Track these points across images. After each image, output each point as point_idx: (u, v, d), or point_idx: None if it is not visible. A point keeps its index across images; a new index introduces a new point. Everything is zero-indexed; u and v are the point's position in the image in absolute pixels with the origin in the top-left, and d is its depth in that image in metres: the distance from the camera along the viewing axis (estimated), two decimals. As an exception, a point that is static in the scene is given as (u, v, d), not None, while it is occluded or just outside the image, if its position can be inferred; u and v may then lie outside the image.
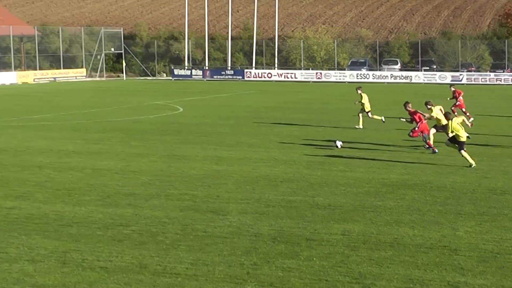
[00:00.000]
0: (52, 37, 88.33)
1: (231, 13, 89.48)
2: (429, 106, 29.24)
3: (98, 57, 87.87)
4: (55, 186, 21.46)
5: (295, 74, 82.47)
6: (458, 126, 25.43)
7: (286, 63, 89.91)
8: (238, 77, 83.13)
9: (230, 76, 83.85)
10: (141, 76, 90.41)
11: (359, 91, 36.47)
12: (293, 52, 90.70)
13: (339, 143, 29.26)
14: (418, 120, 28.75)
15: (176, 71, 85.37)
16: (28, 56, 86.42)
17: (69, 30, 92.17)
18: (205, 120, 39.76)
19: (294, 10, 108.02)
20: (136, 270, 13.65)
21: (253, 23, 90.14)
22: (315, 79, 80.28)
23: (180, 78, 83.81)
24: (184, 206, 18.95)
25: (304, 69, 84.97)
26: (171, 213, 18.07)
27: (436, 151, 27.72)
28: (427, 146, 28.34)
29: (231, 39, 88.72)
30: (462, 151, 25.10)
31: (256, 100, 54.76)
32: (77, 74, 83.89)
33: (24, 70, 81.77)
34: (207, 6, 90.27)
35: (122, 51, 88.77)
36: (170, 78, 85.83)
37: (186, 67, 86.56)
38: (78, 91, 65.33)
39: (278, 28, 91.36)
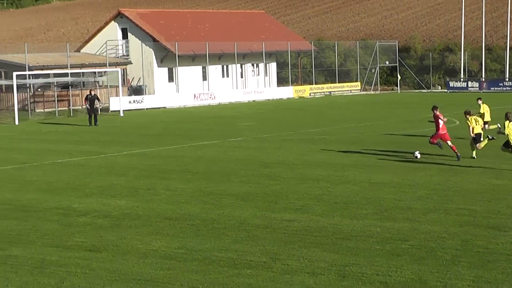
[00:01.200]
0: (327, 51, 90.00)
1: (510, 23, 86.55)
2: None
3: (373, 70, 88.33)
4: (332, 200, 21.74)
5: None
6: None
7: None
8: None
9: (508, 88, 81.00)
10: (415, 88, 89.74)
11: (479, 102, 36.12)
12: None
13: (418, 154, 29.33)
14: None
15: (451, 83, 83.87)
16: (304, 71, 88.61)
17: (344, 44, 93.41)
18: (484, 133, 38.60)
19: None
20: (416, 285, 13.46)
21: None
22: None
23: (456, 90, 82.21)
24: (463, 221, 18.48)
25: None
26: (450, 228, 17.68)
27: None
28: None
29: (509, 49, 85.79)
30: None
31: (537, 112, 52.41)
32: (352, 88, 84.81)
33: (301, 85, 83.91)
34: (484, 16, 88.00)
35: (397, 64, 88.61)
36: (445, 90, 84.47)
37: (461, 79, 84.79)
38: (352, 104, 66.02)
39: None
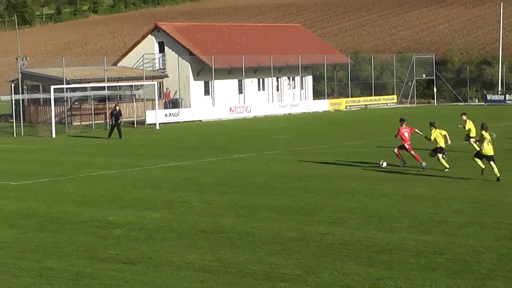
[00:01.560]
0: (363, 64, 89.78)
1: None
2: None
3: (409, 83, 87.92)
4: (367, 213, 21.65)
5: None
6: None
7: None
8: (556, 101, 79.36)
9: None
10: (451, 101, 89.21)
11: (464, 117, 36.71)
12: None
13: (384, 163, 30.78)
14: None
15: (488, 96, 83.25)
16: (340, 84, 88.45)
17: (381, 57, 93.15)
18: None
19: None
20: (450, 300, 13.35)
21: None
22: None
23: (493, 104, 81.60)
24: (499, 235, 18.30)
25: None
26: (486, 242, 17.52)
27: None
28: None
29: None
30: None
31: None
32: (388, 101, 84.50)
33: (337, 98, 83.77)
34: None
35: (434, 77, 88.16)
36: (483, 103, 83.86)
37: (499, 92, 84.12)
38: (388, 117, 65.68)
39: None
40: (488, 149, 27.19)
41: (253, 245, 17.97)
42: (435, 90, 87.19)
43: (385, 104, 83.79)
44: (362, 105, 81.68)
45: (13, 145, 47.26)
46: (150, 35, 73.42)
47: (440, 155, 30.08)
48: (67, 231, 20.18)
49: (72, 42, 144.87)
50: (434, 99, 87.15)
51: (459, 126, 37.58)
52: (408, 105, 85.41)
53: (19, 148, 45.47)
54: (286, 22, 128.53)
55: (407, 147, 31.19)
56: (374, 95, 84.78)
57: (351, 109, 79.65)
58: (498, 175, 26.95)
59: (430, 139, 30.41)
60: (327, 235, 18.76)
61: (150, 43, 72.77)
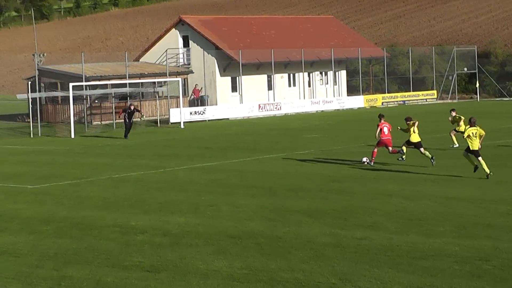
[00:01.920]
0: (400, 58, 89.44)
1: None
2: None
3: (450, 77, 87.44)
4: (406, 216, 21.49)
5: None
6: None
7: None
8: None
9: None
10: (496, 97, 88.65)
11: (453, 113, 40.01)
12: None
13: (364, 159, 32.32)
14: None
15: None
16: (375, 79, 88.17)
17: (419, 50, 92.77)
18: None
19: None
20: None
21: None
22: None
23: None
24: (550, 240, 18.09)
25: None
26: (535, 248, 17.32)
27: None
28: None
29: None
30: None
31: None
32: (427, 97, 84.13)
33: (372, 94, 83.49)
34: None
35: (476, 71, 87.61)
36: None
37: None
38: (428, 114, 65.37)
39: None
40: (475, 144, 27.93)
41: (285, 251, 17.89)
42: (477, 84, 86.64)
43: (425, 100, 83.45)
44: (399, 101, 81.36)
45: (30, 146, 47.56)
46: (173, 29, 73.59)
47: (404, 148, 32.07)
48: (88, 237, 20.20)
49: (91, 37, 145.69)
50: (477, 94, 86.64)
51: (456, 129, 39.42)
52: (449, 101, 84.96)
53: (36, 149, 45.74)
54: (317, 14, 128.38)
55: (381, 140, 32.42)
56: (413, 91, 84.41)
57: (388, 105, 79.34)
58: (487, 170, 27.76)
59: (405, 130, 32.63)
60: (363, 240, 18.63)
61: (174, 37, 72.93)
